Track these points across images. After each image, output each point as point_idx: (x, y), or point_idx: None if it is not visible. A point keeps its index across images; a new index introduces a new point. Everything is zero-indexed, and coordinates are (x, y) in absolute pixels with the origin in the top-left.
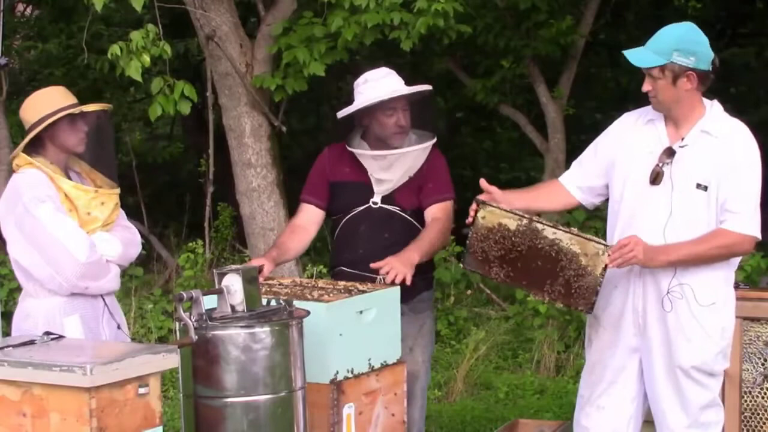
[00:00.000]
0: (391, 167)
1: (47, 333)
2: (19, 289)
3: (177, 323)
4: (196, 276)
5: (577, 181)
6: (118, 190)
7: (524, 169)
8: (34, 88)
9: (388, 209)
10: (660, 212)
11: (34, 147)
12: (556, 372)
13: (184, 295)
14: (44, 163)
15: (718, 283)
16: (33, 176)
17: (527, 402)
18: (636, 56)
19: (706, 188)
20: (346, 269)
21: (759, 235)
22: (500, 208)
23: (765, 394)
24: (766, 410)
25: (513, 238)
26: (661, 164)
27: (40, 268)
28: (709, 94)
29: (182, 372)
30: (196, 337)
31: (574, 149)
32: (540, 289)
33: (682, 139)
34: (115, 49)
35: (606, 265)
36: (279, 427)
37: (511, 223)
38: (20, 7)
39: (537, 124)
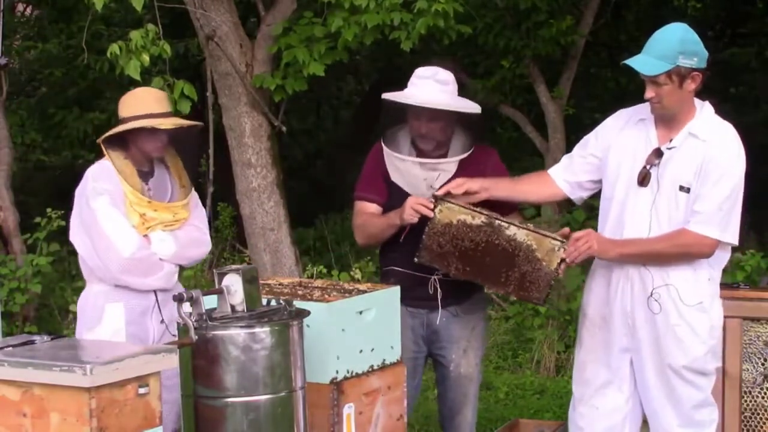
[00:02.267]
0: (425, 174)
1: (48, 333)
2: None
3: (177, 323)
4: (196, 276)
5: (565, 175)
6: (180, 203)
7: (524, 169)
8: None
9: None
10: (646, 213)
11: (121, 140)
12: (556, 372)
13: (184, 295)
14: (118, 157)
15: (702, 283)
16: (100, 168)
17: (527, 402)
18: (642, 65)
19: (688, 190)
20: (398, 269)
21: (726, 239)
22: (458, 204)
23: (765, 394)
24: (766, 410)
25: (470, 234)
26: (648, 165)
27: (91, 256)
28: (709, 94)
29: (182, 372)
30: (196, 337)
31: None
32: (495, 282)
33: (671, 140)
34: (114, 48)
35: (562, 260)
36: (279, 427)
37: (469, 219)
38: (20, 7)
39: (537, 124)
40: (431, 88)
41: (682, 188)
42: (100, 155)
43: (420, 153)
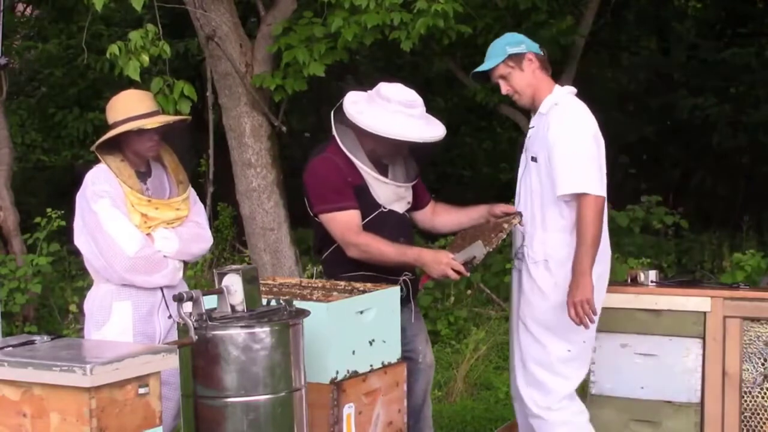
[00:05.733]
0: (392, 192)
1: (48, 333)
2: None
3: (177, 323)
4: (196, 276)
5: None
6: (179, 198)
7: None
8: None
9: (396, 212)
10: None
11: (115, 144)
12: None
13: (184, 295)
14: (114, 161)
15: (551, 242)
16: (98, 172)
17: None
18: (482, 67)
19: (535, 159)
20: (369, 273)
21: (587, 190)
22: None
23: (765, 394)
24: (766, 410)
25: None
26: (522, 151)
27: (96, 258)
28: (710, 93)
29: (182, 372)
30: (196, 337)
31: None
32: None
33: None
34: (113, 49)
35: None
36: (279, 427)
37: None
38: (20, 7)
39: None
40: (421, 115)
41: (533, 159)
42: (97, 160)
43: (385, 168)
